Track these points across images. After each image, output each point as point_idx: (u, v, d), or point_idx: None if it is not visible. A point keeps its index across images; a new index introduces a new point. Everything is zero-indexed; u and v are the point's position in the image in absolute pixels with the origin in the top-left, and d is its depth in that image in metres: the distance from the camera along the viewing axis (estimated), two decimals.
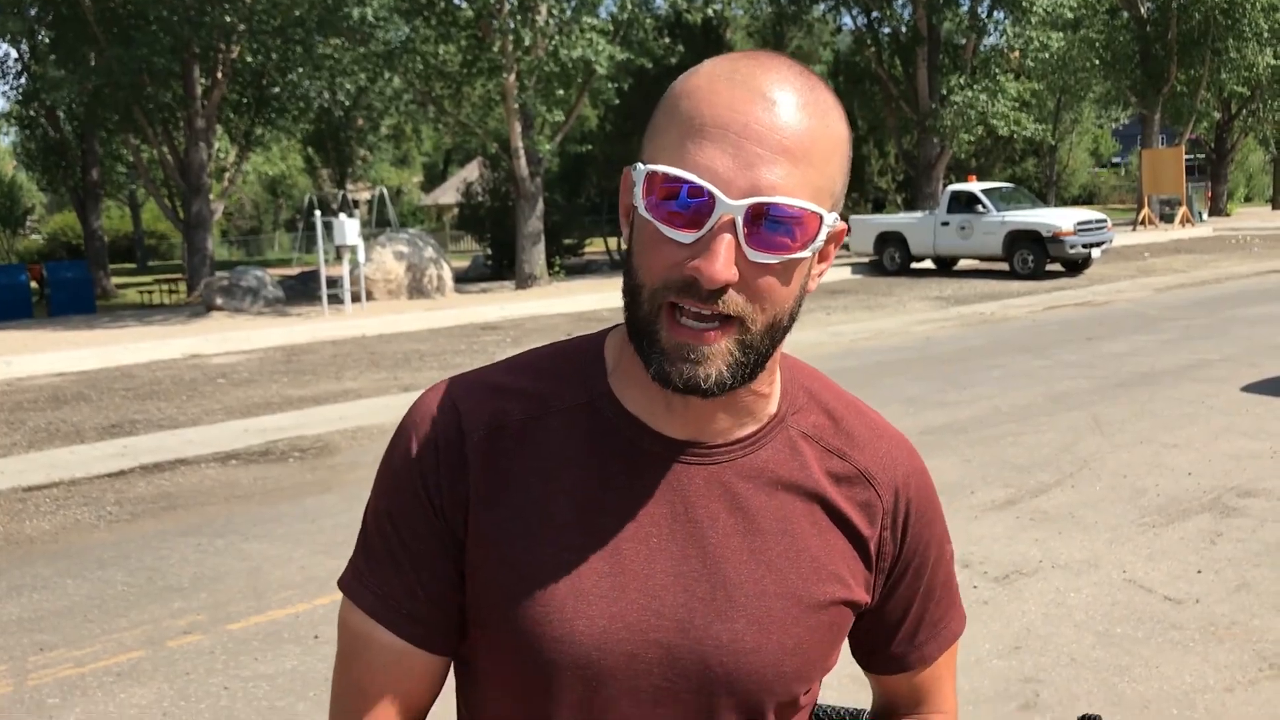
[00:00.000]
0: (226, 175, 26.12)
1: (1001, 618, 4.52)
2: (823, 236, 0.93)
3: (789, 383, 1.07)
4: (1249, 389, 8.83)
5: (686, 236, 0.90)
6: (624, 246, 0.99)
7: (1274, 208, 46.57)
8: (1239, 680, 3.87)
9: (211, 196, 23.52)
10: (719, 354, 0.92)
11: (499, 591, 1.00)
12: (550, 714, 1.01)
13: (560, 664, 0.98)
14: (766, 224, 0.89)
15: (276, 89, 25.29)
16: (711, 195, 0.88)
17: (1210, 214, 37.23)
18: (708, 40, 28.09)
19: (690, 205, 0.89)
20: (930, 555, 1.12)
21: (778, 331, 0.95)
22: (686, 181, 0.89)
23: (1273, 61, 33.76)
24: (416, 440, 1.03)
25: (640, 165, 0.93)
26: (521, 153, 20.84)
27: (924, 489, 1.12)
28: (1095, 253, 19.89)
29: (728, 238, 0.88)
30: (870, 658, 1.16)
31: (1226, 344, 11.15)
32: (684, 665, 1.00)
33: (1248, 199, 56.27)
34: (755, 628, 1.00)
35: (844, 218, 0.98)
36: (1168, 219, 32.54)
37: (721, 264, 0.88)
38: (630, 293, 0.95)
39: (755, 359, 0.94)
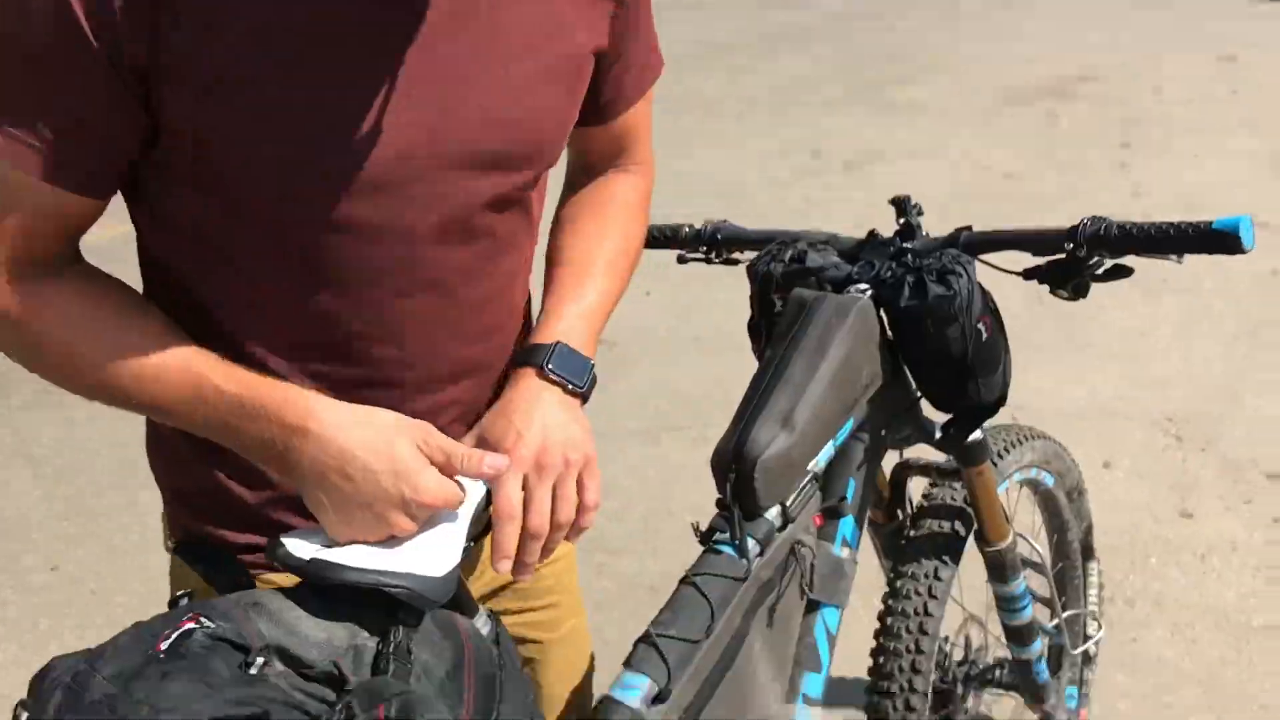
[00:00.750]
0: None
1: (847, 200, 4.63)
2: None
3: None
4: None
5: None
6: None
7: None
8: None
9: None
10: None
11: (236, 147, 0.86)
12: (329, 260, 0.93)
13: (329, 203, 0.89)
14: None
15: None
16: None
17: None
18: None
19: None
20: None
21: None
22: None
23: None
24: None
25: None
26: None
27: None
28: None
29: None
30: None
31: None
32: (455, 159, 0.93)
33: None
34: (511, 99, 0.95)
35: None
36: None
37: None
38: None
39: None
